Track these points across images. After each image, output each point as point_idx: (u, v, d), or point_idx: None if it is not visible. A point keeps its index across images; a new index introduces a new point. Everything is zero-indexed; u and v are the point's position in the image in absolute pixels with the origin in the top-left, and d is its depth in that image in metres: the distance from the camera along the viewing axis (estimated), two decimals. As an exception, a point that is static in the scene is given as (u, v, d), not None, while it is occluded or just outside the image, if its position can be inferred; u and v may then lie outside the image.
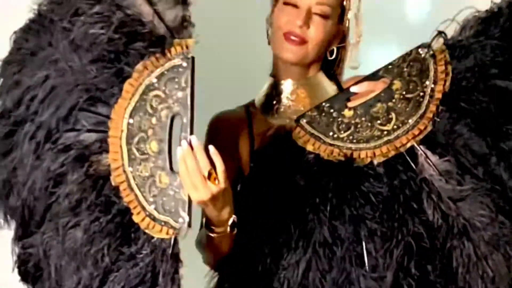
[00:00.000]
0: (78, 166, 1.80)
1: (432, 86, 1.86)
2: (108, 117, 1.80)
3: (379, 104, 1.87)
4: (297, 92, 2.00)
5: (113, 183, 1.79)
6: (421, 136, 1.83)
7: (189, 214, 1.73)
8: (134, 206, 1.78)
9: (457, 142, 1.82)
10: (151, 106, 1.77)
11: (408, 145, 1.83)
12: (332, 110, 1.89)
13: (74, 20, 1.83)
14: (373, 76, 1.91)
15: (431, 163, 1.81)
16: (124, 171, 1.78)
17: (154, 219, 1.76)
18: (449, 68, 1.85)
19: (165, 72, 1.76)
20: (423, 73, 1.87)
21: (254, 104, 2.05)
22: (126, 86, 1.79)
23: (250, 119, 2.03)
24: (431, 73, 1.86)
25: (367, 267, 1.78)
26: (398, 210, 1.79)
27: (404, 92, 1.87)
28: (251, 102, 2.07)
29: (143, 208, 1.77)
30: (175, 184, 1.74)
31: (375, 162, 1.83)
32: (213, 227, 1.79)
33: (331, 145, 1.86)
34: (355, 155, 1.84)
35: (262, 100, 2.04)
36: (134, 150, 1.78)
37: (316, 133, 1.88)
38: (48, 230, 1.84)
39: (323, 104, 1.91)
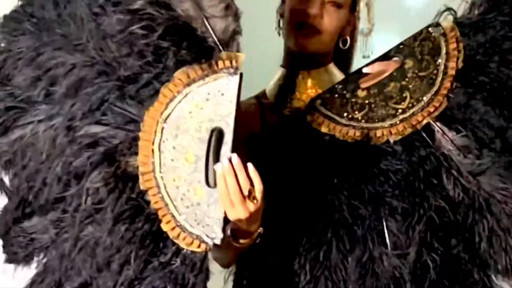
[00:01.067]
0: (105, 165, 1.75)
1: (445, 63, 1.85)
2: (139, 117, 1.74)
3: (392, 83, 1.86)
4: (309, 82, 1.99)
5: (141, 187, 1.74)
6: (436, 113, 1.82)
7: (223, 231, 1.71)
8: (163, 214, 1.73)
9: (473, 116, 1.81)
10: (191, 116, 1.72)
11: (424, 122, 1.82)
12: (345, 92, 1.88)
13: (110, 9, 1.76)
14: (385, 57, 1.90)
15: (448, 139, 1.80)
16: (155, 177, 1.73)
17: (184, 230, 1.73)
18: (461, 45, 1.85)
19: (209, 84, 1.71)
20: (434, 51, 1.86)
21: (265, 95, 2.04)
22: (165, 90, 1.72)
23: (262, 110, 2.01)
24: (443, 51, 1.86)
25: (389, 245, 1.77)
26: (419, 186, 1.77)
27: (416, 71, 1.86)
28: (261, 93, 2.06)
29: (173, 217, 1.73)
30: (211, 199, 1.71)
31: (392, 140, 1.82)
32: (239, 238, 1.76)
33: (346, 125, 1.85)
34: (371, 134, 1.83)
35: (274, 91, 2.02)
36: (168, 157, 1.72)
37: (330, 114, 1.87)
38: (59, 221, 1.81)
39: (336, 86, 1.90)
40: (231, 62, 1.70)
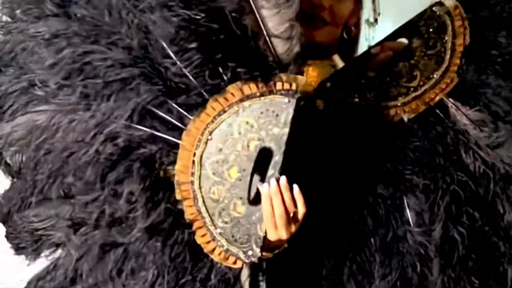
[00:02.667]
0: (142, 170, 1.70)
1: (452, 40, 1.84)
2: (181, 125, 1.69)
3: (401, 63, 1.84)
4: (316, 73, 1.97)
5: (177, 197, 1.69)
6: (448, 89, 1.80)
7: (261, 250, 1.69)
8: (199, 226, 1.70)
9: (487, 90, 1.79)
10: (239, 132, 1.68)
11: (437, 98, 1.80)
12: (354, 73, 1.86)
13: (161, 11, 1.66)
14: (391, 38, 1.89)
15: (463, 114, 1.78)
16: (193, 188, 1.69)
17: (220, 245, 1.70)
18: (466, 22, 1.84)
19: (264, 103, 1.67)
20: (440, 30, 1.85)
21: None
22: (214, 103, 1.67)
23: None
24: (449, 29, 1.85)
25: (412, 223, 1.75)
26: (439, 161, 1.75)
27: (424, 49, 1.84)
28: None
29: (209, 231, 1.69)
30: (253, 218, 1.68)
31: (406, 118, 1.80)
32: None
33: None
34: (385, 113, 1.81)
35: None
36: (209, 170, 1.68)
37: (341, 96, 1.85)
38: (77, 220, 1.77)
39: (345, 68, 1.88)
40: (290, 85, 1.66)
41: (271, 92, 1.66)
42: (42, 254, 1.83)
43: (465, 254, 1.75)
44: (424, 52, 1.84)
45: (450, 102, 1.80)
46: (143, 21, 1.66)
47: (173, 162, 1.69)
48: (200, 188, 1.68)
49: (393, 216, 1.75)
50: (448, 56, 1.83)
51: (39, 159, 1.75)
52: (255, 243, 1.69)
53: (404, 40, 1.86)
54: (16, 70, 1.75)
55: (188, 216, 1.70)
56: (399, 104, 1.81)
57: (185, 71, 1.66)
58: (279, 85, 1.66)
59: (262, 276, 1.73)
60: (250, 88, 1.66)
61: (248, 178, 1.67)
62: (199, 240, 1.70)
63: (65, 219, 1.77)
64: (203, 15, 1.63)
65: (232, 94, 1.66)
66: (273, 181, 1.65)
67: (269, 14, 1.65)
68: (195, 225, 1.70)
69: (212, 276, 1.73)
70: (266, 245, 1.70)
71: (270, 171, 1.67)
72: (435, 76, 1.82)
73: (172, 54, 1.65)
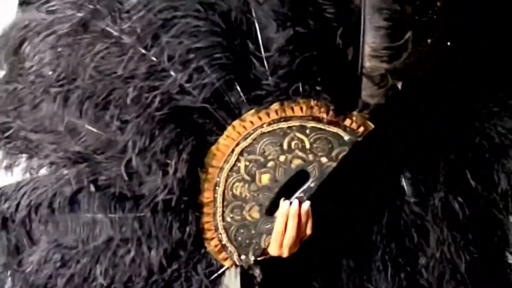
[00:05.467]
0: (191, 139, 1.65)
1: None
2: (238, 114, 1.65)
3: None
4: None
5: (201, 175, 1.67)
6: None
7: (256, 259, 1.70)
8: (208, 213, 1.69)
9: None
10: (289, 145, 1.64)
11: None
12: None
13: None
14: None
15: None
16: (219, 175, 1.66)
17: (220, 239, 1.70)
18: None
19: (327, 130, 1.65)
20: None
21: None
22: (279, 107, 1.63)
23: None
24: None
25: (408, 192, 1.76)
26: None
27: None
28: None
29: (215, 220, 1.68)
30: (262, 227, 1.68)
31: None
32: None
33: None
34: None
35: None
36: (242, 165, 1.65)
37: None
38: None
39: None
40: (358, 127, 1.66)
41: (337, 125, 1.65)
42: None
43: (464, 225, 1.76)
44: None
45: None
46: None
47: (211, 144, 1.66)
48: (226, 177, 1.66)
49: (391, 187, 1.76)
50: None
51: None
52: (253, 251, 1.70)
53: None
54: None
55: (203, 198, 1.68)
56: None
57: (263, 71, 1.62)
58: (348, 122, 1.65)
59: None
60: (321, 111, 1.64)
61: (277, 190, 1.66)
62: (202, 223, 1.69)
63: (70, 151, 1.70)
64: (313, 25, 1.60)
65: (301, 108, 1.64)
66: (295, 202, 1.66)
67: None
68: (205, 209, 1.68)
69: (199, 267, 1.72)
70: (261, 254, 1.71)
71: (299, 193, 1.67)
72: None
73: (262, 48, 1.62)
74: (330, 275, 1.78)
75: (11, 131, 1.75)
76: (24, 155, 1.77)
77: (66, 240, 1.74)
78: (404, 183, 1.77)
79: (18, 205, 1.74)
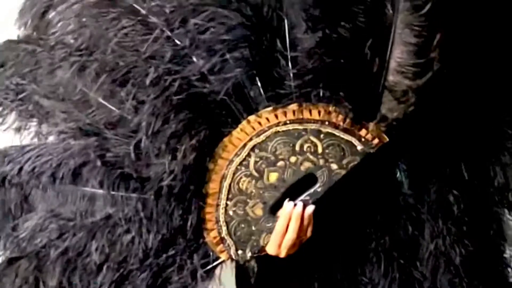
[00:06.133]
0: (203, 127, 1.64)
1: None
2: (255, 110, 1.64)
3: None
4: None
5: (209, 165, 1.65)
6: None
7: (253, 256, 1.69)
8: (211, 204, 1.67)
9: None
10: (301, 147, 1.63)
11: None
12: None
13: None
14: None
15: None
16: (228, 168, 1.65)
17: (220, 231, 1.68)
18: None
19: (341, 137, 1.64)
20: None
21: None
22: (297, 108, 1.62)
23: None
24: None
25: (404, 185, 1.75)
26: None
27: None
28: None
29: (217, 211, 1.67)
30: (263, 225, 1.67)
31: None
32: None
33: None
34: None
35: None
36: (252, 161, 1.64)
37: None
38: None
39: None
40: (373, 138, 1.65)
41: (352, 133, 1.64)
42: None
43: (459, 217, 1.75)
44: None
45: None
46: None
47: (224, 136, 1.65)
48: (235, 170, 1.65)
49: (386, 180, 1.75)
50: None
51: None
52: (251, 247, 1.69)
53: None
54: None
55: (208, 188, 1.66)
56: None
57: (291, 66, 1.61)
58: (363, 132, 1.64)
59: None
60: (338, 118, 1.63)
61: (283, 190, 1.65)
62: (204, 213, 1.68)
63: (81, 123, 1.69)
64: (343, 32, 1.58)
65: (319, 112, 1.63)
66: (300, 205, 1.65)
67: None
68: (209, 200, 1.67)
69: (195, 256, 1.71)
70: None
71: (305, 196, 1.66)
72: None
73: (288, 48, 1.61)
74: (324, 266, 1.76)
75: (24, 93, 1.73)
76: (35, 119, 1.75)
77: (64, 211, 1.72)
78: (399, 175, 1.76)
79: (21, 169, 1.71)
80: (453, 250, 1.75)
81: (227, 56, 1.61)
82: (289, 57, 1.60)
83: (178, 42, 1.61)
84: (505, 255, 1.85)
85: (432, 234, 1.75)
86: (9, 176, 1.73)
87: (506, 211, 1.83)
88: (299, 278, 1.77)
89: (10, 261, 1.77)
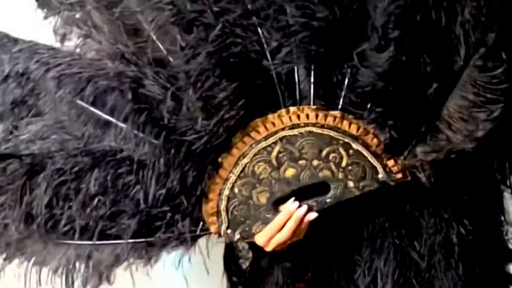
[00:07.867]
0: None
1: None
2: None
3: None
4: None
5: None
6: None
7: (239, 239, 1.67)
8: (221, 176, 1.64)
9: None
10: (328, 154, 1.62)
11: None
12: None
13: None
14: None
15: None
16: (245, 149, 1.63)
17: (219, 203, 1.66)
18: None
19: (365, 157, 1.63)
20: None
21: None
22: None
23: None
24: None
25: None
26: None
27: None
28: None
29: (225, 183, 1.64)
30: (262, 214, 1.65)
31: None
32: None
33: None
34: None
35: None
36: (275, 152, 1.62)
37: None
38: None
39: None
40: (397, 172, 1.65)
41: (380, 160, 1.64)
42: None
43: (458, 197, 1.72)
44: None
45: None
46: None
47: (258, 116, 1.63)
48: (256, 153, 1.63)
49: None
50: None
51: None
52: (241, 231, 1.67)
53: None
54: None
55: (225, 160, 1.63)
56: None
57: (349, 74, 1.60)
58: (390, 162, 1.65)
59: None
60: (373, 140, 1.63)
61: (295, 188, 1.64)
62: (210, 182, 1.65)
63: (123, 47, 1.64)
64: (413, 60, 1.58)
65: (358, 128, 1.63)
66: (304, 208, 1.64)
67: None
68: (221, 171, 1.64)
69: (187, 219, 1.67)
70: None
71: (312, 201, 1.65)
72: None
73: (355, 56, 1.59)
74: (318, 246, 1.73)
75: None
76: (81, 31, 1.67)
77: (73, 127, 1.65)
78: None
79: (47, 70, 1.64)
80: (451, 229, 1.71)
81: (292, 46, 1.58)
82: (352, 65, 1.59)
83: (249, 7, 1.58)
84: (506, 236, 1.83)
85: (431, 214, 1.71)
86: (32, 74, 1.66)
87: (509, 190, 1.82)
88: (294, 263, 1.75)
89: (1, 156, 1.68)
